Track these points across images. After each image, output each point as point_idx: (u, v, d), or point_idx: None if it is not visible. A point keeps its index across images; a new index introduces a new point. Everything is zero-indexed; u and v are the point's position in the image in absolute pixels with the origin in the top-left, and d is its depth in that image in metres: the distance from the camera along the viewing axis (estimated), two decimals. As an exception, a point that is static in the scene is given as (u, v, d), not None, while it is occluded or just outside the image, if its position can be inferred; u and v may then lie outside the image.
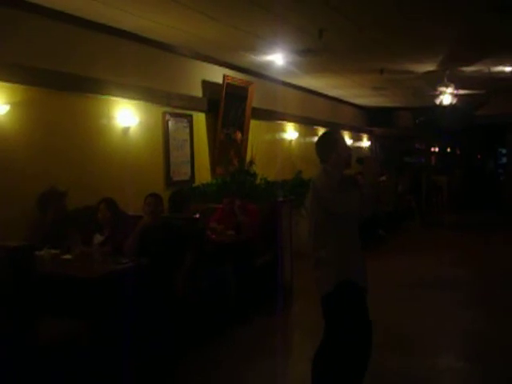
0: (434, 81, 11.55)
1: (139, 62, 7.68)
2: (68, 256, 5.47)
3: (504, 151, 19.26)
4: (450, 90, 11.68)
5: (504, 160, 19.41)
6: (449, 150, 21.45)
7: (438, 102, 12.10)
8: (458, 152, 21.65)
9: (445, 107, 12.56)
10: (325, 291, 4.08)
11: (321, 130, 14.56)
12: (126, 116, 7.35)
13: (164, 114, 8.14)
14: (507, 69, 10.92)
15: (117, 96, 7.22)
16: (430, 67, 10.58)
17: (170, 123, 8.24)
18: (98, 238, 6.02)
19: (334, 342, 4.13)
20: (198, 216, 6.74)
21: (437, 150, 20.94)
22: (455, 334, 6.46)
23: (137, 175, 7.48)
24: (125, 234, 5.87)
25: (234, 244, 7.00)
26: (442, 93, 11.82)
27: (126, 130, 7.37)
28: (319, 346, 4.26)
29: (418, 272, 9.46)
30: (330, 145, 4.20)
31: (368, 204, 4.00)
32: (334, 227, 3.97)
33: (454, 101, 12.14)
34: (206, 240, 6.68)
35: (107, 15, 6.63)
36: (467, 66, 10.56)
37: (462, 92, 12.15)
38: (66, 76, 6.46)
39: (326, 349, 4.20)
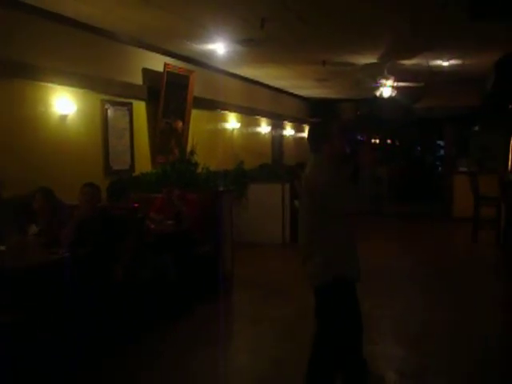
0: (375, 73, 11.72)
1: (77, 48, 7.51)
2: (2, 247, 5.32)
3: (442, 144, 19.70)
4: (389, 82, 11.87)
5: (442, 152, 19.87)
6: (389, 141, 21.82)
7: (378, 93, 12.27)
8: (398, 144, 22.06)
9: (385, 99, 12.76)
10: (318, 285, 3.96)
11: (263, 121, 14.63)
12: (64, 103, 7.18)
13: (103, 101, 7.99)
14: (445, 63, 11.16)
15: (54, 83, 7.04)
16: (370, 59, 10.71)
17: (109, 111, 8.09)
18: (34, 228, 5.86)
19: (326, 333, 4.04)
20: (136, 205, 6.66)
21: (377, 141, 21.27)
22: (393, 321, 6.58)
23: (75, 164, 7.35)
24: (62, 224, 5.75)
25: (174, 234, 6.96)
26: (381, 85, 11.99)
27: (63, 118, 7.21)
28: (313, 342, 4.12)
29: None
30: (322, 135, 3.96)
31: (365, 197, 3.92)
32: (328, 219, 3.84)
33: (394, 93, 12.33)
34: (146, 230, 6.62)
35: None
36: (407, 59, 10.75)
37: (401, 84, 12.35)
38: (-1, 61, 6.26)
39: (321, 342, 4.08)
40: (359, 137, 20.76)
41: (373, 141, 20.89)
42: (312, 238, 3.95)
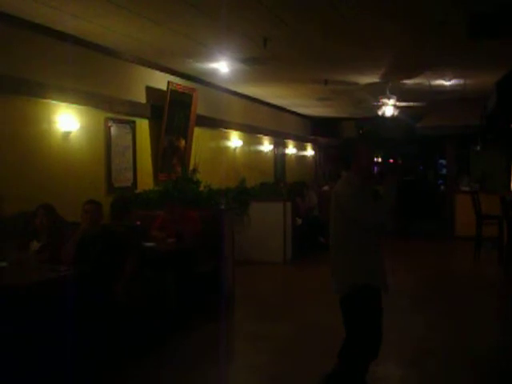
0: (377, 92, 11.77)
1: (82, 65, 7.56)
2: (3, 263, 5.33)
3: (444, 162, 19.69)
4: (391, 101, 11.91)
5: (444, 171, 19.85)
6: (391, 160, 21.80)
7: (380, 113, 12.31)
8: (400, 162, 22.04)
9: (387, 118, 12.80)
10: (343, 293, 4.23)
11: (265, 139, 14.65)
12: (67, 121, 7.21)
13: (106, 119, 8.03)
14: (446, 82, 11.21)
15: (57, 100, 7.09)
16: (372, 79, 10.76)
17: (112, 129, 8.13)
18: (35, 245, 5.88)
19: (353, 338, 4.28)
20: (138, 223, 6.67)
21: (380, 160, 21.26)
22: (395, 340, 6.54)
23: (77, 181, 7.38)
24: (63, 241, 5.76)
25: (175, 252, 6.94)
26: (384, 104, 12.03)
27: (66, 135, 7.24)
28: (342, 346, 4.36)
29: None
30: (349, 153, 4.33)
31: (384, 215, 4.18)
32: (354, 231, 4.14)
33: (396, 112, 12.38)
34: (147, 248, 6.61)
35: (48, 16, 6.51)
36: (408, 78, 10.80)
37: (403, 104, 12.40)
38: (2, 78, 6.29)
39: (349, 347, 4.32)
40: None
41: (375, 159, 20.88)
42: (340, 250, 4.23)
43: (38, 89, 6.79)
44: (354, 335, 4.25)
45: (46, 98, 6.93)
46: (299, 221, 11.71)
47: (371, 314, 4.22)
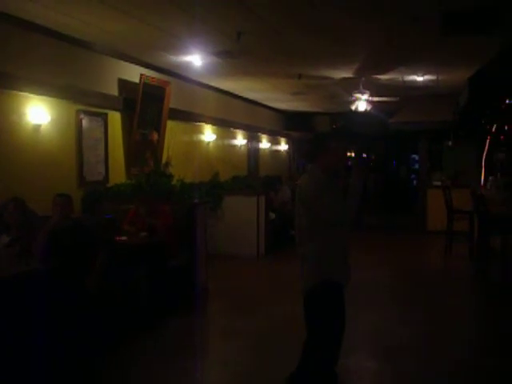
0: (350, 87, 11.81)
1: (52, 57, 7.46)
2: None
3: (417, 157, 19.87)
4: (365, 96, 11.95)
5: (417, 166, 20.03)
6: (365, 155, 21.92)
7: (353, 108, 12.34)
8: (373, 157, 22.18)
9: (360, 113, 12.83)
10: (306, 288, 4.16)
11: (239, 133, 14.62)
12: (38, 113, 7.10)
13: (78, 111, 7.93)
14: (419, 78, 11.30)
15: (27, 92, 6.97)
16: (346, 74, 10.79)
17: (83, 121, 8.02)
18: (4, 239, 5.80)
19: (315, 336, 4.22)
20: (109, 217, 6.61)
21: (353, 155, 21.33)
22: (365, 333, 6.58)
23: (49, 174, 7.29)
24: (34, 235, 5.69)
25: (147, 246, 6.90)
26: (357, 99, 12.07)
27: (36, 128, 7.13)
28: (304, 344, 4.28)
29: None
30: (318, 146, 4.23)
31: (350, 210, 4.09)
32: (317, 226, 4.07)
33: (369, 107, 12.42)
34: (119, 242, 6.56)
35: (19, 7, 6.41)
36: (382, 73, 10.85)
37: (376, 99, 12.45)
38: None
39: (310, 344, 4.25)
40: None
41: (348, 154, 20.97)
42: (306, 244, 4.13)
43: (8, 80, 6.67)
44: (317, 333, 4.19)
45: (15, 90, 6.82)
46: (273, 215, 11.71)
47: (334, 310, 4.18)
